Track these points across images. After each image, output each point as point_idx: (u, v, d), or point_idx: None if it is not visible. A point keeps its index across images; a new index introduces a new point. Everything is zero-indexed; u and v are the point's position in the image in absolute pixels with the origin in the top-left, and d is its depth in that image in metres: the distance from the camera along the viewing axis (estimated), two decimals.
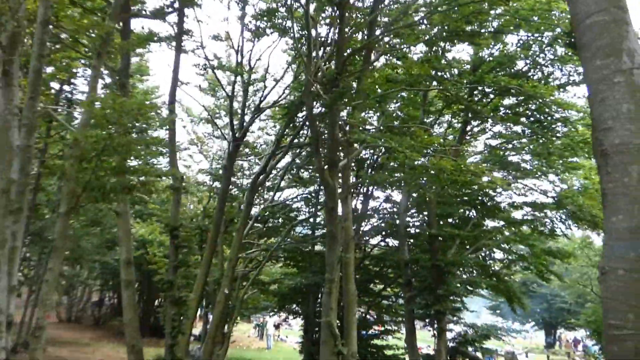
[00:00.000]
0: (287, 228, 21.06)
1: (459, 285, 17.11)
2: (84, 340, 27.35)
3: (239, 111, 18.69)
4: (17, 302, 23.95)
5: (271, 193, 22.23)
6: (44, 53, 7.65)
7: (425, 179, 13.74)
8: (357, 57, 14.37)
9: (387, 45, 13.92)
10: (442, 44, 14.17)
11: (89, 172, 7.73)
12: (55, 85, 20.44)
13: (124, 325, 13.50)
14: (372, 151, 19.06)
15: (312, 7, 12.53)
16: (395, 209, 20.53)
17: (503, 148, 17.58)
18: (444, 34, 11.78)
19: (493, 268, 19.31)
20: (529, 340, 58.08)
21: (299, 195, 23.42)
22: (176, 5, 14.63)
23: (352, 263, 13.92)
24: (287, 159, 21.03)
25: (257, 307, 28.26)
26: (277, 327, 41.88)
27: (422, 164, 11.86)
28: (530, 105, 15.19)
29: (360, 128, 15.62)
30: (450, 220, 18.73)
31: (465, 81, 14.67)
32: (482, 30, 12.64)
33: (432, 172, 11.95)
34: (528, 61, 15.28)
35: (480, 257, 18.20)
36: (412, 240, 20.04)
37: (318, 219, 21.65)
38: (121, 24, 13.03)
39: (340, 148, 14.12)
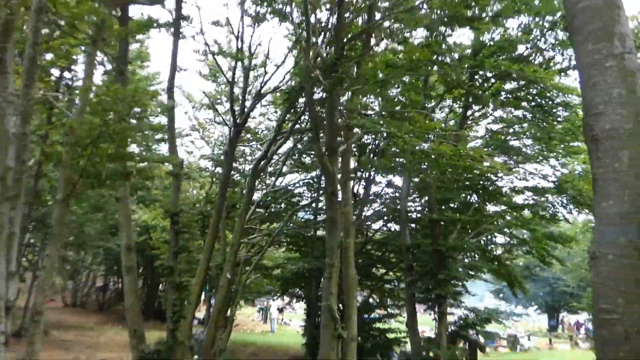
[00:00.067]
0: (289, 213, 21.09)
1: (460, 269, 17.14)
2: (88, 325, 27.55)
3: (240, 97, 18.66)
4: (22, 287, 24.16)
5: (273, 178, 22.25)
6: (38, 40, 7.62)
7: (425, 164, 13.70)
8: (357, 43, 14.30)
9: (388, 30, 13.85)
10: (442, 28, 14.07)
11: (85, 159, 7.73)
12: (55, 72, 20.41)
13: (125, 310, 13.55)
14: (373, 136, 19.03)
15: None
16: (397, 194, 20.54)
17: (504, 133, 17.52)
18: (444, 18, 11.69)
19: (494, 252, 19.33)
20: (532, 324, 58.23)
21: (301, 180, 23.43)
22: None
23: (352, 248, 13.94)
24: (289, 144, 21.02)
25: (261, 292, 28.41)
26: (280, 311, 42.05)
27: (421, 149, 11.82)
28: (531, 90, 15.11)
29: (363, 112, 15.62)
30: (451, 205, 18.71)
31: (466, 66, 14.58)
32: (483, 15, 12.58)
33: (432, 157, 11.92)
34: (529, 45, 15.19)
35: (481, 241, 18.20)
36: (413, 225, 20.05)
37: (320, 204, 21.66)
38: (119, 10, 12.98)
39: (341, 133, 14.10)
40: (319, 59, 12.81)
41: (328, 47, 13.99)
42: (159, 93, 10.34)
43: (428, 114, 14.52)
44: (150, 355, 12.72)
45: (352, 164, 18.73)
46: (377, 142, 19.58)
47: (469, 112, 17.62)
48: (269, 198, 21.78)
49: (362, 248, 21.71)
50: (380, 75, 12.38)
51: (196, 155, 31.80)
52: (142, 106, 8.44)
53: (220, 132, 28.22)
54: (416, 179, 17.56)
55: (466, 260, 18.63)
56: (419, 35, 15.35)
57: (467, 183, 17.19)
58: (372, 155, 19.75)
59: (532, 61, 15.15)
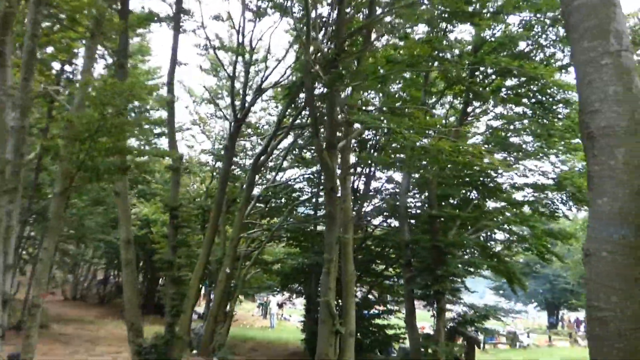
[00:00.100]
0: (289, 208, 21.10)
1: (459, 265, 17.13)
2: (88, 318, 27.61)
3: (241, 91, 18.68)
4: (22, 280, 24.19)
5: (273, 173, 22.26)
6: (37, 33, 7.63)
7: (425, 160, 13.69)
8: (358, 38, 14.29)
9: (389, 25, 13.84)
10: (443, 24, 14.03)
11: (83, 153, 7.73)
12: (56, 65, 20.40)
13: (124, 303, 13.57)
14: (374, 132, 19.02)
15: None
16: (397, 190, 20.52)
17: (505, 129, 17.48)
18: (444, 14, 11.67)
19: (494, 249, 19.30)
20: (532, 321, 58.31)
21: (301, 175, 23.42)
22: None
23: (351, 243, 13.97)
24: (290, 139, 21.04)
25: (261, 287, 28.42)
26: (280, 306, 42.09)
27: (421, 145, 11.80)
28: (531, 87, 15.06)
29: (364, 108, 15.60)
30: (451, 201, 18.69)
31: (467, 62, 14.55)
32: (484, 11, 12.56)
33: (432, 153, 11.91)
34: (530, 42, 15.14)
35: (481, 238, 18.17)
36: (413, 221, 20.03)
37: (320, 199, 21.67)
38: (119, 3, 12.96)
39: (341, 129, 14.10)
40: (319, 54, 12.80)
41: (329, 42, 13.99)
42: (158, 87, 10.34)
43: (428, 110, 14.50)
44: (148, 350, 12.73)
45: (353, 159, 18.77)
46: (377, 137, 19.58)
47: (470, 109, 17.56)
48: (269, 193, 21.79)
49: (361, 244, 21.71)
50: (381, 71, 12.38)
51: (197, 150, 31.81)
52: (139, 100, 8.44)
53: (220, 126, 28.29)
54: (416, 175, 17.54)
55: (466, 257, 18.60)
56: (420, 31, 15.35)
57: (467, 179, 17.17)
58: (372, 151, 19.75)
59: (533, 58, 15.10)
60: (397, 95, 17.18)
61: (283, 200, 22.93)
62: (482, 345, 30.47)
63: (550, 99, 15.21)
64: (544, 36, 14.77)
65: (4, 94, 7.14)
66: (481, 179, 17.10)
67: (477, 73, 15.72)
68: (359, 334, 19.81)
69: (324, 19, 14.56)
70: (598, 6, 3.65)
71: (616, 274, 3.26)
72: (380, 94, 17.01)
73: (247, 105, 18.50)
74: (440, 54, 14.55)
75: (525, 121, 16.37)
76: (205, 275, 19.57)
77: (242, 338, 26.62)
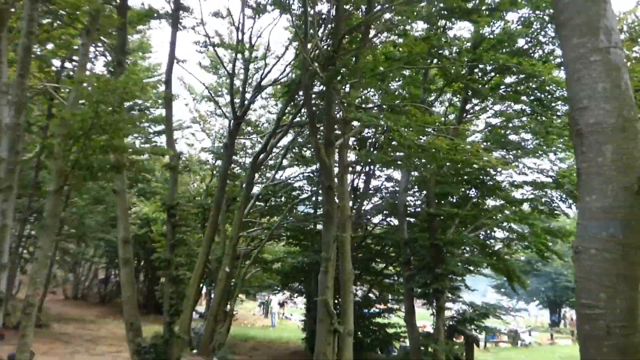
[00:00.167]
0: (289, 207, 21.08)
1: (458, 264, 17.12)
2: (89, 317, 27.61)
3: (240, 89, 18.66)
4: (23, 280, 24.15)
5: (273, 172, 22.24)
6: (33, 30, 7.60)
7: (422, 158, 13.66)
8: (357, 35, 14.27)
9: (388, 22, 13.80)
10: (441, 21, 14.01)
11: (77, 151, 7.72)
12: (56, 62, 20.39)
13: (122, 302, 13.55)
14: (373, 130, 18.99)
15: None
16: (396, 188, 20.50)
17: (503, 127, 17.46)
18: (441, 11, 11.65)
19: (493, 247, 19.27)
20: (534, 319, 58.27)
21: (301, 173, 23.40)
22: None
23: (349, 242, 13.95)
24: (290, 137, 21.01)
25: (262, 286, 28.42)
26: (281, 305, 42.06)
27: (418, 143, 11.77)
28: (530, 84, 15.03)
29: (363, 106, 15.58)
30: (450, 199, 18.65)
31: (465, 59, 14.52)
32: (482, 8, 12.53)
33: (429, 151, 11.88)
34: (528, 39, 15.10)
35: (480, 236, 18.14)
36: (412, 219, 20.02)
37: (320, 198, 21.64)
38: (118, 0, 12.95)
39: (338, 126, 14.08)
40: (318, 51, 12.78)
41: (328, 39, 13.97)
42: (153, 85, 10.29)
43: (427, 108, 14.46)
44: (147, 349, 12.71)
45: (352, 157, 18.75)
46: (376, 135, 19.55)
47: (469, 106, 17.56)
48: (269, 191, 21.77)
49: (361, 242, 21.72)
50: (381, 68, 12.36)
51: (197, 148, 31.82)
52: (133, 98, 8.40)
53: (220, 124, 28.26)
54: (415, 173, 17.53)
55: (466, 255, 18.58)
56: (419, 28, 15.33)
57: (466, 177, 17.15)
58: (371, 148, 19.73)
59: (532, 55, 15.06)
60: (396, 93, 17.15)
61: (283, 198, 22.90)
62: (484, 343, 30.56)
63: (549, 96, 15.19)
64: (542, 33, 14.74)
65: None
66: (480, 177, 17.08)
67: (476, 70, 15.70)
68: (359, 333, 19.86)
69: (323, 16, 14.55)
70: (588, 3, 3.63)
71: (605, 272, 3.25)
72: (380, 92, 16.99)
73: (246, 102, 18.49)
74: (439, 51, 14.54)
75: (524, 119, 16.35)
76: (205, 274, 19.59)
77: (243, 337, 26.63)
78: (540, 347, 37.22)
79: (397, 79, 16.78)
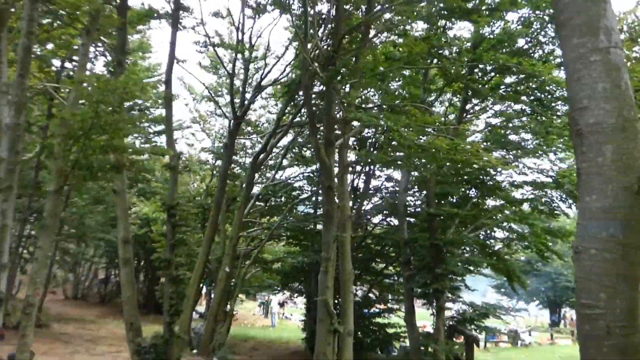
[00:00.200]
0: (289, 207, 21.07)
1: (459, 264, 17.12)
2: (89, 317, 27.61)
3: (240, 89, 18.66)
4: (23, 280, 24.14)
5: (273, 172, 22.24)
6: (33, 30, 7.59)
7: (422, 158, 13.65)
8: (357, 35, 14.26)
9: (388, 22, 13.80)
10: (442, 21, 14.00)
11: (77, 151, 7.72)
12: (56, 62, 20.39)
13: (122, 302, 13.54)
14: (374, 130, 18.99)
15: None
16: (396, 188, 20.51)
17: (504, 127, 17.45)
18: (441, 11, 11.64)
19: (493, 247, 19.26)
20: (534, 319, 58.27)
21: (301, 173, 23.39)
22: None
23: (349, 242, 13.94)
24: (290, 137, 21.01)
25: (262, 286, 28.42)
26: (281, 305, 42.05)
27: (418, 142, 11.77)
28: (530, 84, 15.03)
29: (364, 106, 15.57)
30: (450, 199, 18.64)
31: (465, 59, 14.51)
32: (482, 8, 12.52)
33: (429, 151, 11.88)
34: (528, 39, 15.10)
35: (480, 236, 18.14)
36: (412, 219, 20.02)
37: (320, 198, 21.63)
38: (118, 0, 12.95)
39: (338, 126, 14.07)
40: (317, 51, 12.78)
41: (328, 39, 13.96)
42: (153, 85, 10.29)
43: (427, 108, 14.46)
44: (147, 349, 12.70)
45: (352, 157, 18.74)
46: (377, 135, 19.55)
47: (469, 106, 17.56)
48: (269, 191, 21.76)
49: (361, 242, 21.72)
50: (381, 68, 12.36)
51: (197, 148, 31.81)
52: (133, 98, 8.39)
53: (220, 124, 28.26)
54: (415, 173, 17.53)
55: (466, 255, 18.58)
56: (420, 28, 15.32)
57: (466, 177, 17.15)
58: (372, 149, 19.72)
59: (532, 55, 15.05)
60: (396, 93, 17.14)
61: (283, 198, 22.89)
62: (484, 343, 30.56)
63: (549, 96, 15.18)
64: (542, 33, 14.73)
65: None
66: (480, 177, 17.08)
67: (476, 70, 15.70)
68: (359, 333, 19.86)
69: (323, 16, 14.55)
70: (588, 3, 3.63)
71: (605, 272, 3.25)
72: (380, 92, 16.99)
73: (246, 102, 18.49)
74: (439, 51, 14.53)
75: (524, 119, 16.35)
76: (205, 274, 19.58)
77: (243, 337, 26.62)
78: (540, 347, 37.22)
79: (397, 79, 16.78)
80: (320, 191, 20.59)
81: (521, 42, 15.27)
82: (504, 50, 15.00)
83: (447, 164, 13.36)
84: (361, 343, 19.97)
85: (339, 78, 12.20)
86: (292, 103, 18.31)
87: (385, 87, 15.67)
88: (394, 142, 15.71)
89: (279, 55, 19.17)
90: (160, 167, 27.88)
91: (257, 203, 21.55)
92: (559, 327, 52.16)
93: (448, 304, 19.08)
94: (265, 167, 22.80)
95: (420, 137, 12.02)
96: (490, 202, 19.01)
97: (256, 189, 21.37)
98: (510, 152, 17.08)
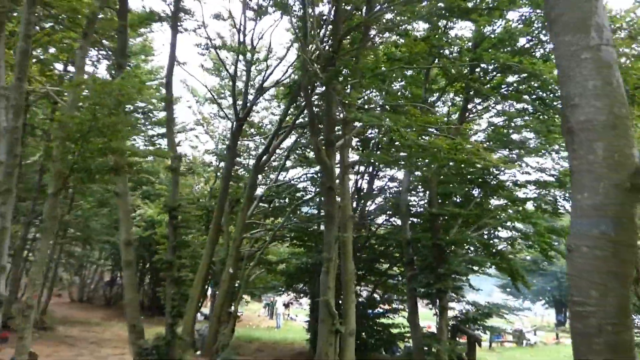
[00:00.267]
0: (292, 208, 21.07)
1: (463, 263, 17.08)
2: (94, 320, 27.64)
3: (243, 91, 18.70)
4: (26, 282, 24.23)
5: (276, 173, 22.26)
6: (30, 33, 7.61)
7: (423, 157, 13.64)
8: (358, 35, 14.25)
9: (389, 23, 13.78)
10: (442, 21, 13.97)
11: (75, 153, 7.74)
12: (59, 66, 20.46)
13: (124, 305, 13.56)
14: (377, 130, 18.98)
15: None
16: (399, 188, 20.49)
17: (506, 126, 17.41)
18: (441, 11, 11.62)
19: (497, 247, 19.21)
20: (540, 319, 58.13)
21: (305, 174, 23.38)
22: None
23: (350, 242, 13.92)
24: (293, 138, 21.03)
25: (266, 287, 28.43)
26: (286, 306, 42.02)
27: (418, 142, 11.73)
28: (532, 83, 14.98)
29: (366, 106, 15.56)
30: (454, 198, 18.60)
31: (467, 59, 14.48)
32: (482, 7, 12.49)
33: (429, 151, 11.86)
34: (529, 37, 15.04)
35: (484, 235, 18.10)
36: (415, 219, 20.00)
37: (324, 198, 21.62)
38: (118, 3, 12.97)
39: (339, 127, 14.07)
40: (318, 52, 12.79)
41: (330, 40, 13.96)
42: (158, 88, 10.32)
43: (429, 108, 14.43)
44: (149, 351, 12.72)
45: (355, 157, 18.74)
46: (380, 135, 19.54)
47: (471, 105, 17.53)
48: (272, 193, 21.78)
49: (365, 242, 21.71)
50: (383, 68, 12.35)
51: (200, 150, 31.88)
52: (130, 99, 8.40)
53: (224, 126, 28.31)
54: (418, 173, 17.51)
55: (470, 255, 18.53)
56: (421, 28, 15.30)
57: (469, 177, 17.13)
58: (375, 149, 19.71)
59: (533, 54, 15.00)
60: (399, 93, 17.13)
61: (286, 200, 22.88)
62: (489, 343, 30.52)
63: (551, 95, 15.13)
64: (543, 32, 14.68)
65: None
66: (483, 176, 17.06)
67: (477, 70, 15.66)
68: (363, 334, 19.86)
69: (324, 17, 14.55)
70: (580, 0, 3.63)
71: (596, 269, 3.26)
72: (383, 92, 16.97)
73: (248, 104, 18.52)
74: (440, 51, 14.50)
75: (526, 118, 16.31)
76: (209, 275, 19.60)
77: (248, 339, 26.61)
78: (546, 347, 37.14)
79: (399, 79, 16.78)
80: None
81: (522, 41, 15.22)
82: (505, 49, 14.96)
83: (449, 163, 13.34)
84: (365, 343, 19.97)
85: (340, 79, 12.19)
86: (294, 104, 18.32)
87: (386, 88, 15.66)
88: (397, 143, 15.72)
89: (281, 57, 19.21)
90: (163, 169, 27.95)
91: (260, 204, 21.57)
92: (565, 326, 51.98)
93: (451, 304, 19.05)
94: (268, 168, 22.82)
95: (422, 137, 11.99)
96: (494, 202, 18.96)
97: (259, 191, 21.39)
98: (513, 152, 17.04)
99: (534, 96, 15.57)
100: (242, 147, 25.13)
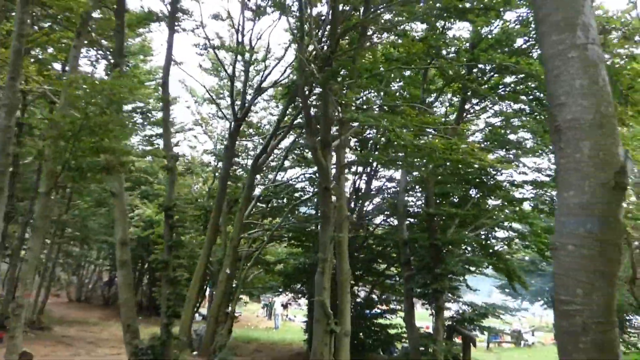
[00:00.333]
0: (289, 208, 21.05)
1: (459, 263, 17.08)
2: (92, 320, 27.63)
3: (241, 91, 18.69)
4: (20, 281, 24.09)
5: (274, 173, 22.25)
6: (23, 32, 7.60)
7: (419, 158, 13.63)
8: (355, 35, 14.23)
9: (387, 23, 13.76)
10: (440, 21, 13.96)
11: (67, 152, 7.72)
12: (57, 66, 20.44)
13: (120, 304, 13.54)
14: (375, 130, 18.97)
15: None
16: (397, 188, 20.49)
17: (503, 126, 17.42)
18: (437, 11, 11.60)
19: (493, 247, 19.22)
20: (539, 319, 58.13)
21: (302, 175, 23.37)
22: None
23: (346, 242, 13.91)
24: (291, 139, 21.03)
25: (265, 287, 28.42)
26: (285, 306, 42.03)
27: (414, 142, 11.73)
28: (529, 83, 14.98)
29: (364, 107, 15.55)
30: (451, 198, 18.61)
31: (464, 59, 14.46)
32: (479, 7, 12.46)
33: (425, 151, 11.85)
34: (527, 38, 15.03)
35: (481, 236, 18.10)
36: (413, 220, 20.00)
37: None
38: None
39: (336, 127, 14.05)
40: (314, 52, 12.77)
41: (328, 40, 13.95)
42: (140, 86, 10.31)
43: (426, 109, 14.41)
44: (144, 351, 12.69)
45: (351, 157, 18.72)
46: (377, 135, 19.54)
47: (468, 106, 17.53)
48: (270, 193, 21.77)
49: (363, 243, 21.70)
50: (381, 68, 12.34)
51: (199, 150, 31.84)
52: (122, 99, 8.39)
53: (222, 126, 28.28)
54: (415, 173, 17.51)
55: (467, 255, 18.53)
56: (419, 28, 15.28)
57: (466, 177, 17.13)
58: (373, 149, 19.70)
59: (530, 54, 14.99)
60: (397, 94, 17.13)
61: (284, 200, 22.87)
62: (486, 344, 30.51)
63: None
64: None
65: None
66: (480, 176, 17.06)
67: (474, 70, 15.66)
68: (361, 334, 19.85)
69: (322, 17, 14.53)
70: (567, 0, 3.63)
71: (582, 268, 3.25)
72: (381, 93, 16.96)
73: (247, 104, 18.51)
74: (438, 52, 14.49)
75: (523, 118, 16.31)
76: (207, 275, 19.59)
77: (246, 339, 26.62)
78: (544, 347, 37.08)
79: (397, 80, 16.78)
80: None
81: (519, 42, 15.21)
82: (502, 50, 14.94)
83: (445, 163, 13.34)
84: (363, 344, 19.97)
85: (338, 79, 12.19)
86: (292, 104, 18.31)
87: (384, 88, 15.65)
88: (395, 143, 15.71)
89: (279, 57, 19.19)
90: (160, 168, 27.93)
91: (258, 204, 21.57)
92: None
93: (448, 304, 19.06)
94: (267, 168, 22.81)
95: (420, 137, 11.99)
96: (491, 202, 18.97)
97: (257, 191, 21.39)
98: (510, 152, 17.05)
99: (531, 97, 15.57)
100: (241, 147, 25.12)
